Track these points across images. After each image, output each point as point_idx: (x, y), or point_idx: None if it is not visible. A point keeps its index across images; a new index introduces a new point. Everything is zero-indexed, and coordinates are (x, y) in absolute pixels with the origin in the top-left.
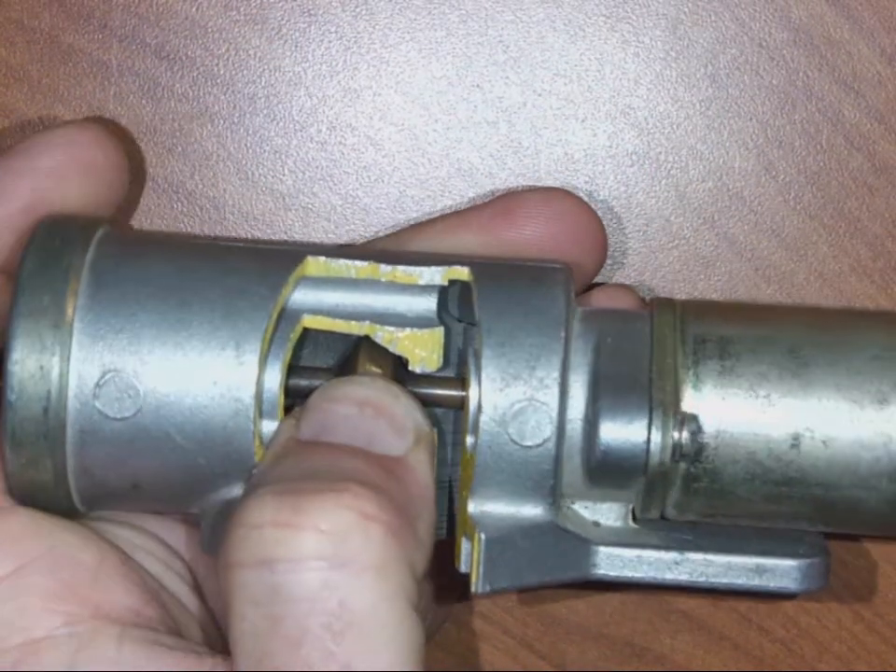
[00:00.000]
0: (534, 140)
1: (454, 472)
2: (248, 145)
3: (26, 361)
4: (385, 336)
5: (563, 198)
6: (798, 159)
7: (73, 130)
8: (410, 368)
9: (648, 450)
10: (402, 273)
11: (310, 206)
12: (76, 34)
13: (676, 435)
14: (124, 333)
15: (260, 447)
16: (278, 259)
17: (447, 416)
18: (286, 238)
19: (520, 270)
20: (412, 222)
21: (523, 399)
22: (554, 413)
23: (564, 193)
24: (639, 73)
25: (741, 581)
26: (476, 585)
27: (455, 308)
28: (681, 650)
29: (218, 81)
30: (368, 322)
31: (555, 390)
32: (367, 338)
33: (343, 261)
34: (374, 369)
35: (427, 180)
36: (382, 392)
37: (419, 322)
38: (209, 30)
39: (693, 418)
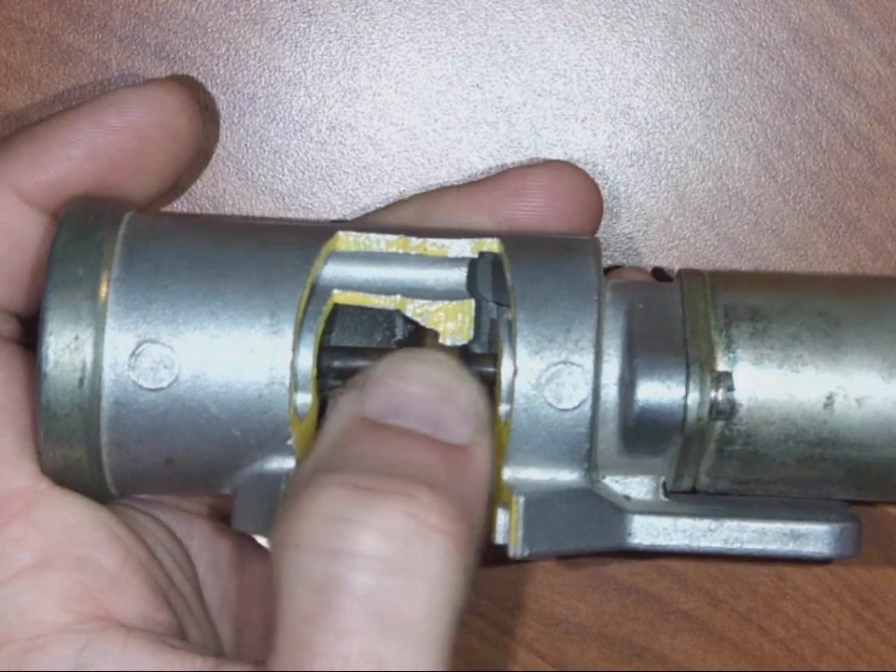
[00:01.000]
0: (534, 140)
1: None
2: (248, 145)
3: (61, 332)
4: (415, 310)
5: (569, 173)
6: (798, 159)
7: (162, 91)
8: (441, 340)
9: (685, 406)
10: (432, 245)
11: (310, 206)
12: (76, 34)
13: (713, 393)
14: (158, 304)
15: (295, 418)
16: (310, 234)
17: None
18: None
19: (550, 241)
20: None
21: (558, 361)
22: (590, 375)
23: (569, 168)
24: (639, 73)
25: (775, 546)
26: (515, 549)
27: (486, 289)
28: (681, 650)
29: (218, 81)
30: (399, 296)
31: (591, 352)
32: (427, 330)
33: (373, 235)
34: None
35: (426, 180)
36: (450, 374)
37: (449, 295)
38: (209, 30)
39: (729, 376)
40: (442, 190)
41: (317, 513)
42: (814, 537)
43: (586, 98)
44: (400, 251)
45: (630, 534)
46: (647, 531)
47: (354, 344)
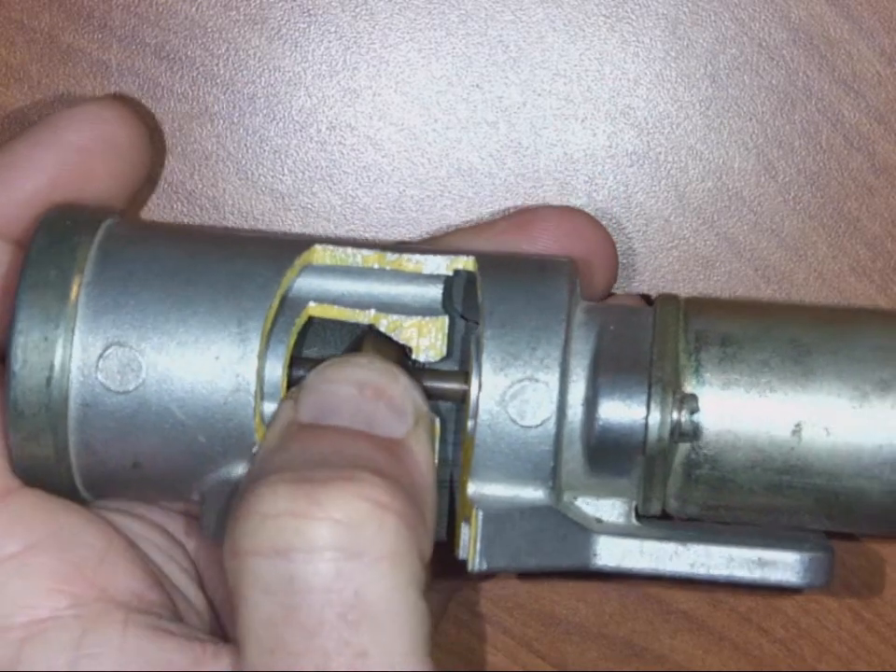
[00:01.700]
0: (534, 140)
1: (455, 472)
2: (248, 145)
3: (31, 332)
4: (389, 324)
5: (578, 217)
6: (798, 159)
7: (98, 107)
8: (414, 356)
9: (647, 426)
10: (408, 261)
11: (310, 206)
12: (76, 34)
13: (675, 414)
14: (128, 309)
15: (261, 426)
16: (286, 246)
17: (450, 416)
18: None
19: (525, 260)
20: (411, 222)
21: (523, 378)
22: (555, 393)
23: (580, 213)
24: (639, 73)
25: (742, 573)
26: (473, 563)
27: (460, 305)
28: (681, 650)
29: (218, 81)
30: (373, 310)
31: (556, 370)
32: (372, 329)
33: (349, 250)
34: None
35: (426, 180)
36: (380, 373)
37: (424, 311)
38: (209, 30)
39: (693, 398)
40: (453, 233)
41: (266, 514)
42: (782, 565)
43: (586, 98)
44: (376, 266)
45: (595, 555)
46: (612, 552)
47: (329, 354)
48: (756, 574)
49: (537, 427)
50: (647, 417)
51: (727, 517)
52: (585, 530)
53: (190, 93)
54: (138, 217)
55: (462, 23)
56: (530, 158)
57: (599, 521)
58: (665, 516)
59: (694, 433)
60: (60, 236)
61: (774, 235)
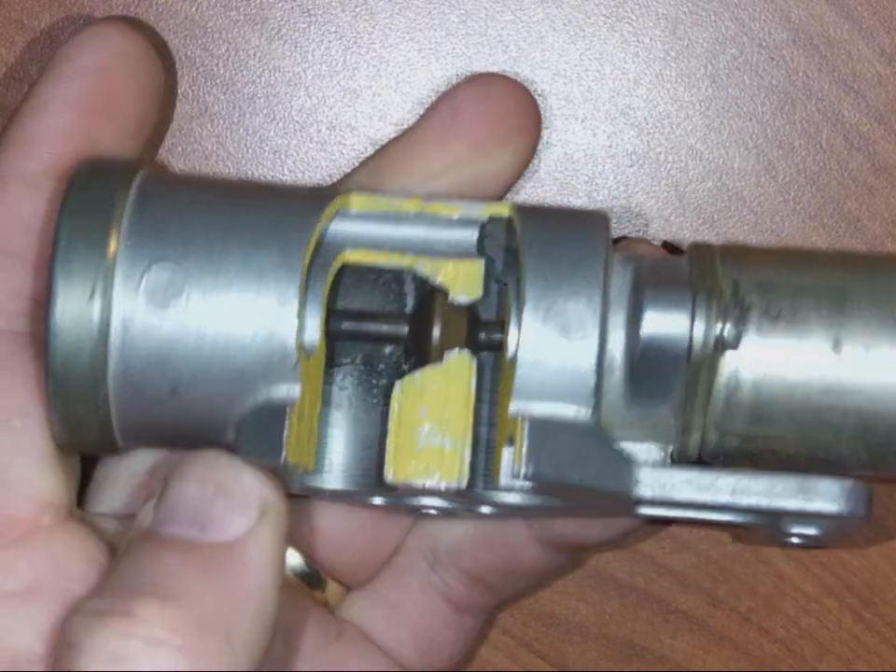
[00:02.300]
0: None
1: (490, 432)
2: (248, 145)
3: (72, 252)
4: (427, 266)
5: (503, 88)
6: (798, 159)
7: (102, 26)
8: (451, 297)
9: (691, 337)
10: (444, 205)
11: None
12: (76, 34)
13: (719, 323)
14: (172, 228)
15: (302, 348)
16: (323, 191)
17: (485, 373)
18: None
19: (561, 208)
20: None
21: (566, 293)
22: (597, 307)
23: (502, 83)
24: (639, 73)
25: (784, 502)
26: (519, 468)
27: (496, 249)
28: (681, 650)
29: (218, 81)
30: (410, 254)
31: (599, 286)
32: (437, 289)
33: (387, 195)
34: (450, 317)
35: None
36: (221, 468)
37: (460, 255)
38: (209, 30)
39: (736, 306)
40: (388, 145)
41: (63, 643)
42: (823, 490)
43: (586, 98)
44: (414, 211)
45: (637, 482)
46: (654, 480)
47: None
48: (798, 500)
49: (580, 340)
50: (692, 327)
51: (765, 451)
52: (627, 458)
53: (190, 93)
54: (165, 173)
55: (462, 23)
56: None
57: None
58: (699, 462)
59: (737, 342)
60: (100, 171)
61: (774, 235)
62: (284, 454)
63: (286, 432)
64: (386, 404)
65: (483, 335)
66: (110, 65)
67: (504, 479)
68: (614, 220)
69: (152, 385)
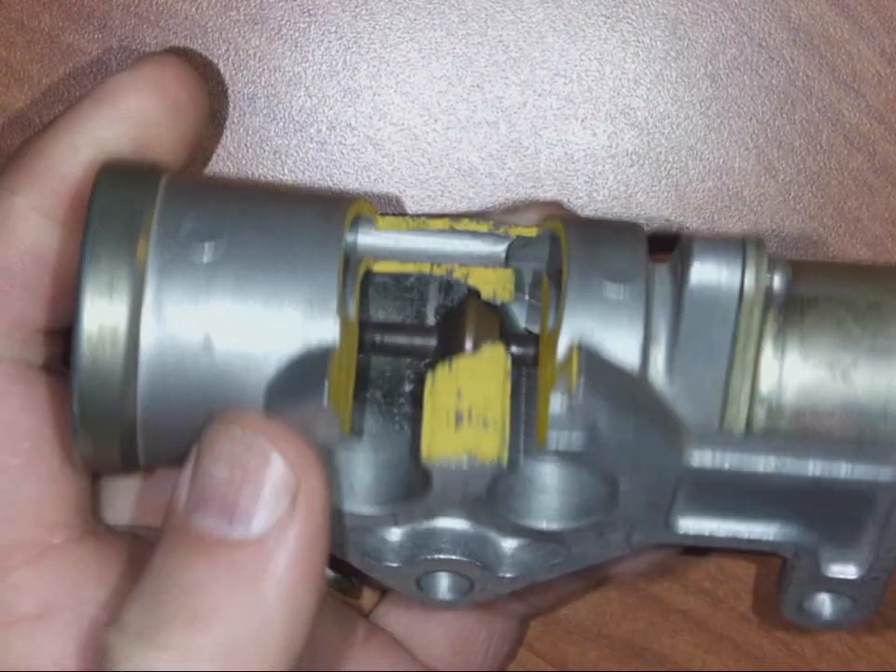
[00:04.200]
0: (534, 140)
1: (529, 439)
2: (248, 145)
3: (111, 201)
4: (458, 271)
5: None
6: (798, 159)
7: (157, 70)
8: (483, 297)
9: (742, 279)
10: (474, 223)
11: None
12: (76, 34)
13: (768, 276)
14: (207, 200)
15: (343, 293)
16: (344, 210)
17: (520, 380)
18: None
19: (594, 220)
20: None
21: (611, 248)
22: (643, 255)
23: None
24: (639, 73)
25: (838, 467)
26: (577, 393)
27: (523, 281)
28: (681, 650)
29: (218, 81)
30: (439, 262)
31: (643, 241)
32: (471, 293)
33: (416, 217)
34: (482, 324)
35: (426, 180)
36: (253, 450)
37: (491, 260)
38: (209, 30)
39: (783, 261)
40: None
41: (97, 651)
42: (878, 455)
43: (586, 98)
44: (446, 228)
45: (688, 439)
46: (704, 440)
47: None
48: (853, 465)
49: (627, 283)
50: (742, 274)
51: (814, 432)
52: (676, 418)
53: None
54: (188, 177)
55: (462, 23)
56: (530, 158)
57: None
58: None
59: (788, 291)
60: (127, 172)
61: (774, 235)
62: (326, 397)
63: (327, 378)
64: (410, 429)
65: (514, 348)
66: (156, 118)
67: (554, 423)
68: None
69: (185, 332)
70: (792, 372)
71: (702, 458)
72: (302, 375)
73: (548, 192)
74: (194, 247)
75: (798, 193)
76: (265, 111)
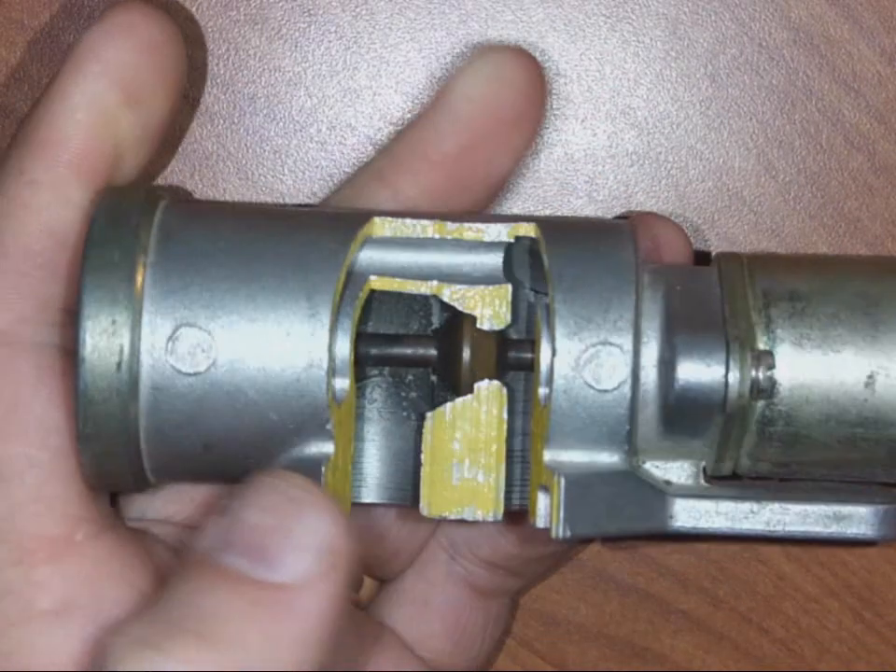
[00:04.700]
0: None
1: (525, 441)
2: (248, 145)
3: (98, 316)
4: (452, 294)
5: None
6: (798, 159)
7: (125, 15)
8: (478, 325)
9: (726, 384)
10: (468, 229)
11: None
12: (76, 34)
13: (753, 372)
14: (195, 287)
15: (333, 402)
16: (345, 219)
17: (517, 384)
18: None
19: (586, 223)
20: None
21: (597, 342)
22: (629, 356)
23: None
24: (639, 73)
25: (818, 528)
26: (557, 530)
27: (524, 274)
28: (681, 650)
29: (218, 81)
30: (435, 281)
31: (629, 332)
32: (469, 323)
33: (409, 220)
34: (480, 337)
35: None
36: (287, 500)
37: (486, 280)
38: (209, 30)
39: (769, 354)
40: (390, 144)
41: (95, 657)
42: (858, 518)
43: (586, 98)
44: (437, 236)
45: (671, 517)
46: (689, 514)
47: (391, 332)
48: (832, 529)
49: (613, 390)
50: (727, 375)
51: (798, 473)
52: (661, 493)
53: (190, 93)
54: (189, 195)
55: (462, 23)
56: (530, 158)
57: (668, 483)
58: (733, 476)
59: (772, 390)
60: (119, 217)
61: (774, 235)
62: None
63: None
64: (417, 418)
65: (512, 354)
66: (136, 60)
67: (541, 522)
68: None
69: (185, 442)
70: (778, 428)
71: (686, 525)
72: (302, 469)
73: (548, 192)
74: (193, 273)
75: (798, 193)
76: (265, 111)
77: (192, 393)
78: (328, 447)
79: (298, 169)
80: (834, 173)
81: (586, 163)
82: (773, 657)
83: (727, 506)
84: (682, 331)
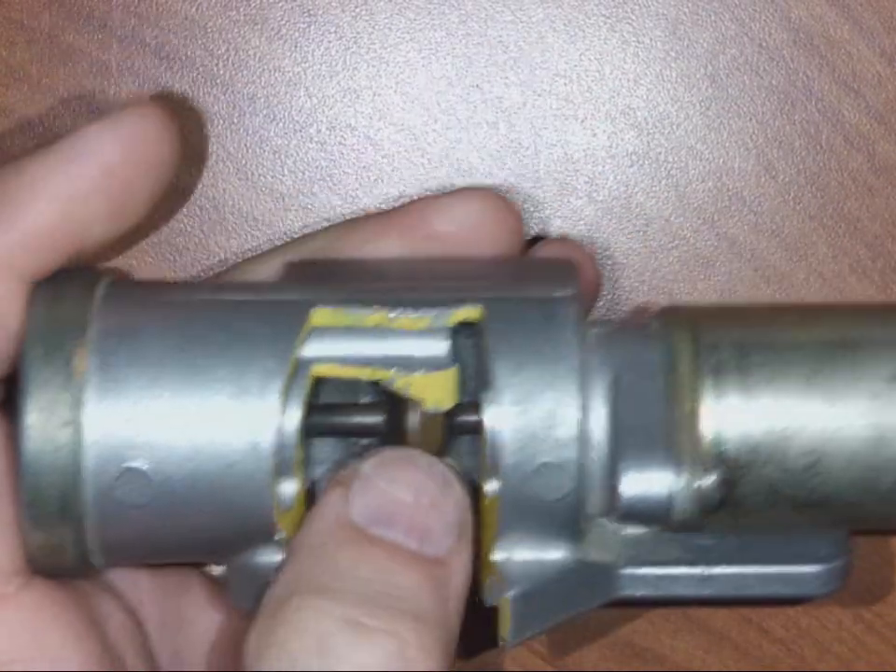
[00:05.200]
0: (534, 140)
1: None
2: (248, 145)
3: (40, 435)
4: (398, 381)
5: (475, 199)
6: (798, 159)
7: (134, 125)
8: (423, 409)
9: (671, 499)
10: (411, 318)
11: (310, 206)
12: (76, 34)
13: (701, 485)
14: (137, 414)
15: (278, 509)
16: (286, 316)
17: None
18: (285, 239)
19: (531, 305)
20: None
21: (544, 461)
22: (574, 471)
23: (478, 194)
24: (639, 73)
25: (764, 590)
26: (507, 640)
27: (470, 357)
28: (681, 650)
29: (218, 81)
30: (380, 368)
31: (574, 450)
32: (413, 407)
33: (352, 311)
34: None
35: (426, 180)
36: (439, 481)
37: (432, 363)
38: (209, 30)
39: (717, 466)
40: (356, 220)
41: (305, 632)
42: (804, 579)
43: (586, 98)
44: (380, 326)
45: (621, 588)
46: (637, 583)
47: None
48: (777, 590)
49: (559, 500)
50: (670, 497)
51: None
52: (609, 569)
53: (190, 93)
54: (127, 283)
55: (462, 24)
56: (530, 158)
57: (616, 533)
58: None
59: (721, 502)
60: (63, 283)
61: (774, 235)
62: None
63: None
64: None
65: (460, 419)
66: (124, 167)
67: (489, 601)
68: (614, 220)
69: (133, 552)
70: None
71: (638, 593)
72: (250, 589)
73: (548, 192)
74: (132, 358)
75: (798, 193)
76: (265, 111)
77: (140, 519)
78: (278, 556)
79: (297, 169)
80: (834, 173)
81: (586, 163)
82: (773, 657)
83: (676, 571)
84: (626, 447)
